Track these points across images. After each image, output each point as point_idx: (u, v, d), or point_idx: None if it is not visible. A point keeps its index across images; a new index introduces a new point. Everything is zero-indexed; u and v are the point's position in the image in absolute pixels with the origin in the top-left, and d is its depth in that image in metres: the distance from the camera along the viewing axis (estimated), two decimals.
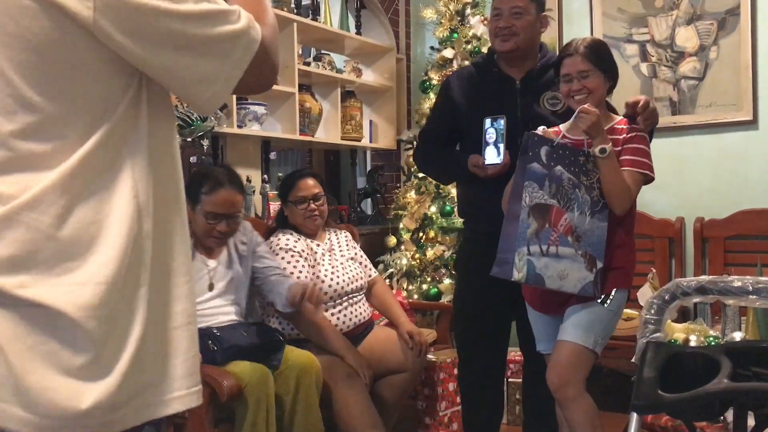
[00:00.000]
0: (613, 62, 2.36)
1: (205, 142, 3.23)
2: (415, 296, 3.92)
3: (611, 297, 2.26)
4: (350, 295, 3.01)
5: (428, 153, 2.78)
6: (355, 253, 3.18)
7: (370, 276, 3.19)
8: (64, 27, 0.91)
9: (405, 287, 3.96)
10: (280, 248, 2.92)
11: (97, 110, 0.97)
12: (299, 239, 2.98)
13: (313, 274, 2.93)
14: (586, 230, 2.20)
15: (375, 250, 4.09)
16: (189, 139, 3.06)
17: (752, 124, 3.73)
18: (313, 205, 2.98)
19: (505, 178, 2.39)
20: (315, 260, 2.97)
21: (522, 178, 2.17)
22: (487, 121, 2.47)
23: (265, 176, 3.79)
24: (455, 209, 3.83)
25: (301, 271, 2.89)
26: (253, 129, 3.60)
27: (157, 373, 1.01)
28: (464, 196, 2.79)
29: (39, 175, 0.93)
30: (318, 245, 3.01)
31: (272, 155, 4.00)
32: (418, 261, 4.00)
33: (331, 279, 2.95)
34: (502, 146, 2.42)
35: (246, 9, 1.05)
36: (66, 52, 0.93)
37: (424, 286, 3.94)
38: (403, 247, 4.10)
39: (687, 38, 3.89)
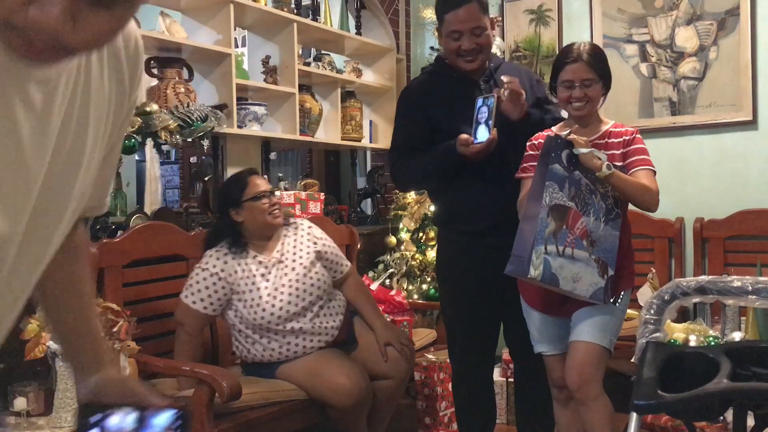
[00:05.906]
0: (609, 70, 2.38)
1: (206, 143, 3.23)
2: (415, 296, 3.92)
3: (621, 297, 2.30)
4: (304, 312, 2.70)
5: (406, 161, 2.63)
6: (321, 247, 2.85)
7: (342, 272, 2.92)
8: None
9: (405, 287, 3.96)
10: (203, 269, 2.67)
11: None
12: (228, 261, 2.68)
13: (241, 300, 2.66)
14: (600, 236, 2.22)
15: (375, 250, 4.10)
16: (189, 140, 3.06)
17: (752, 124, 3.73)
18: (274, 199, 2.76)
19: (491, 174, 2.43)
20: (252, 283, 2.67)
21: (543, 179, 2.18)
22: (479, 101, 2.42)
23: (265, 176, 3.79)
24: None
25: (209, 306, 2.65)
26: (253, 129, 3.61)
27: None
28: (447, 197, 2.65)
29: None
30: (261, 262, 2.71)
31: (272, 155, 4.01)
32: (418, 261, 4.00)
33: (273, 305, 2.64)
34: (491, 123, 2.37)
35: None
36: None
37: (424, 286, 3.94)
38: (403, 247, 4.10)
39: (687, 38, 3.89)
